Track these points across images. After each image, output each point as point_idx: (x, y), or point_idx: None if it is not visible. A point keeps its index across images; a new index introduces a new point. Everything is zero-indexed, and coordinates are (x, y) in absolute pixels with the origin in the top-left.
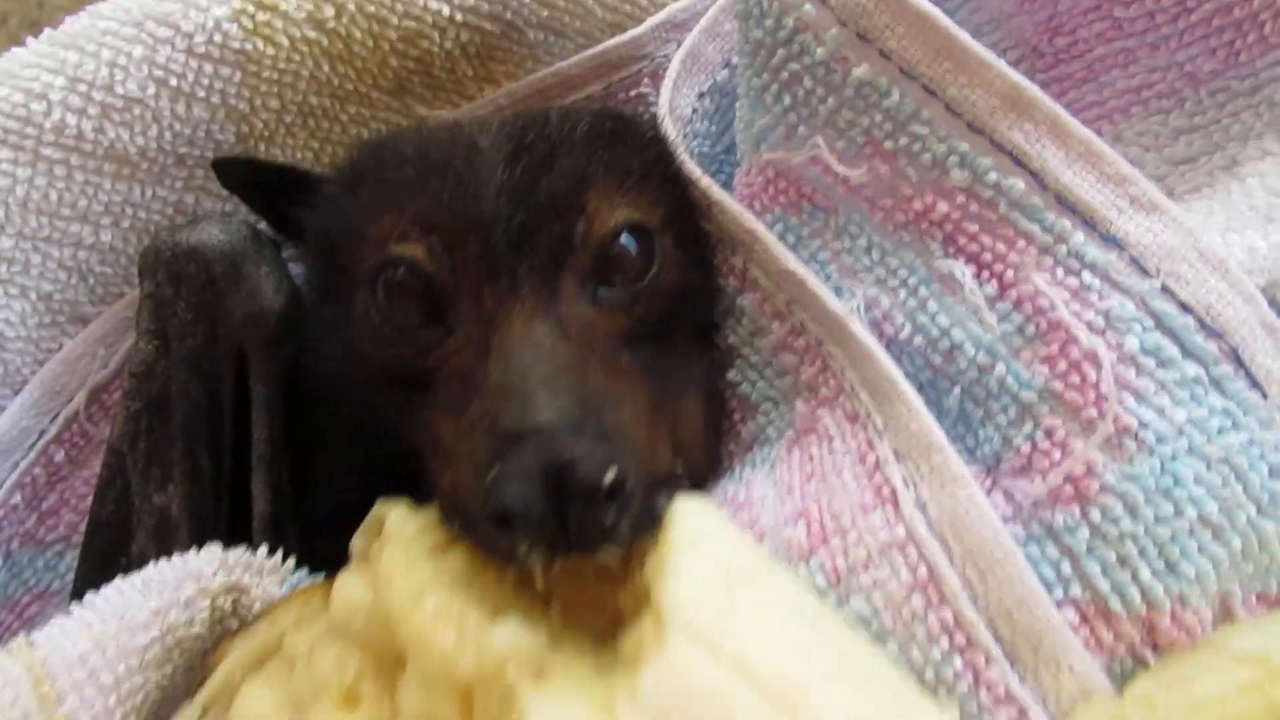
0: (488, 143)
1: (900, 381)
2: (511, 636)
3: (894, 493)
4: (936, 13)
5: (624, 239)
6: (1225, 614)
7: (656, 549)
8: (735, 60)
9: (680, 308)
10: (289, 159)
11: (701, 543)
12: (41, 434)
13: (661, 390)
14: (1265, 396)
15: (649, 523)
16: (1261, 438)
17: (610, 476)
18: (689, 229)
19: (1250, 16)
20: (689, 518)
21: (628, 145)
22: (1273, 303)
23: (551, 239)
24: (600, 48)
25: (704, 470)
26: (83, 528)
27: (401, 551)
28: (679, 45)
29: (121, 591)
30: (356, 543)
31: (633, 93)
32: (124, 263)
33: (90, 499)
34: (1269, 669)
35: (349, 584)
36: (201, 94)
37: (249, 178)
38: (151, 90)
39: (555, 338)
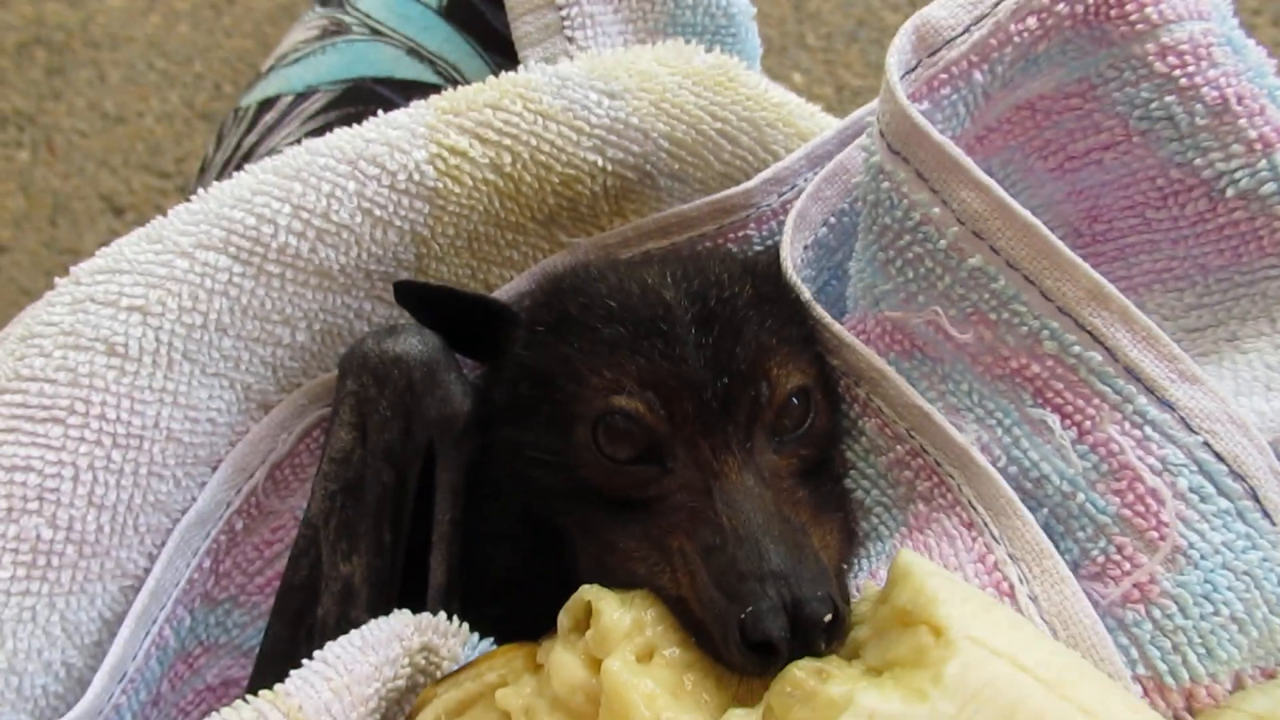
0: (674, 299)
1: (1015, 500)
2: None
3: (1011, 588)
4: (1037, 222)
5: (795, 399)
6: (1238, 684)
7: (901, 586)
8: (833, 220)
9: (827, 442)
10: (454, 274)
11: (942, 575)
12: (228, 505)
13: (822, 506)
14: (1274, 524)
15: (839, 625)
16: (1272, 555)
17: (830, 614)
18: (827, 377)
19: (1252, 230)
20: (915, 560)
21: (783, 308)
22: (1276, 453)
23: (748, 401)
24: (716, 196)
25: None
26: (249, 588)
27: (623, 664)
28: (779, 197)
29: (345, 649)
30: (563, 620)
31: (740, 233)
32: (307, 358)
33: (257, 563)
34: None
35: (566, 663)
36: (398, 222)
37: (434, 300)
38: (359, 219)
39: (760, 485)
